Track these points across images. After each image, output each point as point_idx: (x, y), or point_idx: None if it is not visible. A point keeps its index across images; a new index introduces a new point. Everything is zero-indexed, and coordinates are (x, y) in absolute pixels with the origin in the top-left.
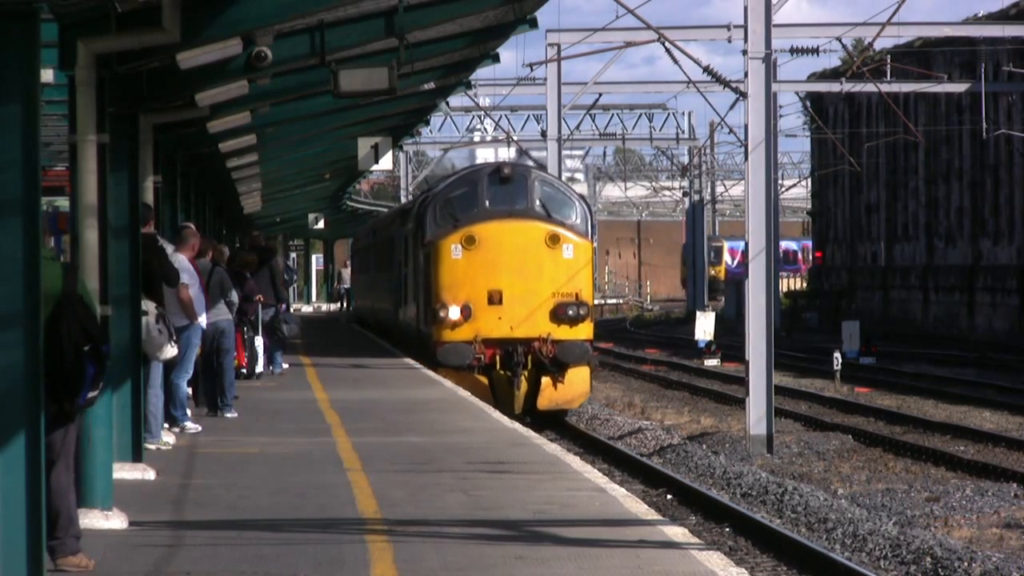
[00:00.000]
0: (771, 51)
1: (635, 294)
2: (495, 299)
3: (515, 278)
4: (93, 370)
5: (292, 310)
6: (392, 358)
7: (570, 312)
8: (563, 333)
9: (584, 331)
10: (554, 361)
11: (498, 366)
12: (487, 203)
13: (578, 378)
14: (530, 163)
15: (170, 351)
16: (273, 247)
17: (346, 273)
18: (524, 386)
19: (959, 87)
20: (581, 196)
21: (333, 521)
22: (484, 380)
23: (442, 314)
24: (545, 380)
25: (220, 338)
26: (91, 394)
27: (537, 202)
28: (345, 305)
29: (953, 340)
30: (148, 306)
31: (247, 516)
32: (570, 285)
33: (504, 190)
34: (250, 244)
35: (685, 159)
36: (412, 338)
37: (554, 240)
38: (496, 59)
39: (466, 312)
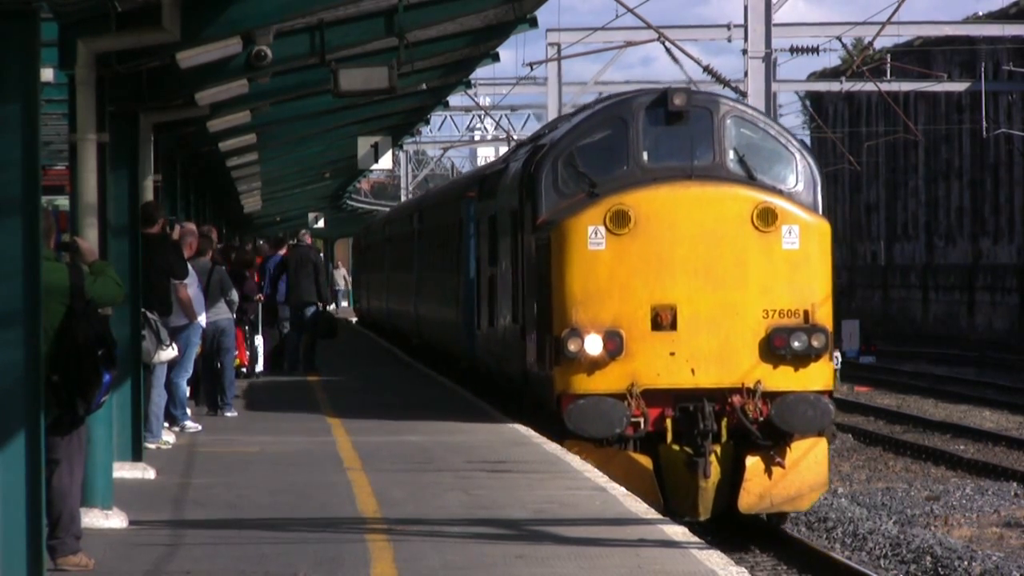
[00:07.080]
0: (771, 50)
1: None
2: (664, 321)
3: (699, 284)
4: (109, 377)
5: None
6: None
7: (795, 344)
8: (783, 380)
9: (819, 376)
10: (768, 428)
11: (669, 437)
12: (646, 156)
13: (810, 458)
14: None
15: (163, 354)
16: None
17: (339, 274)
18: (716, 472)
19: (959, 86)
20: (803, 144)
21: (333, 520)
22: (646, 462)
23: (572, 347)
24: (752, 462)
25: (220, 337)
26: (103, 398)
27: (731, 154)
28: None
29: (953, 339)
30: None
31: (247, 515)
32: (795, 296)
33: (675, 134)
34: (296, 241)
35: None
36: (509, 381)
37: (766, 218)
38: (496, 58)
39: (614, 343)
